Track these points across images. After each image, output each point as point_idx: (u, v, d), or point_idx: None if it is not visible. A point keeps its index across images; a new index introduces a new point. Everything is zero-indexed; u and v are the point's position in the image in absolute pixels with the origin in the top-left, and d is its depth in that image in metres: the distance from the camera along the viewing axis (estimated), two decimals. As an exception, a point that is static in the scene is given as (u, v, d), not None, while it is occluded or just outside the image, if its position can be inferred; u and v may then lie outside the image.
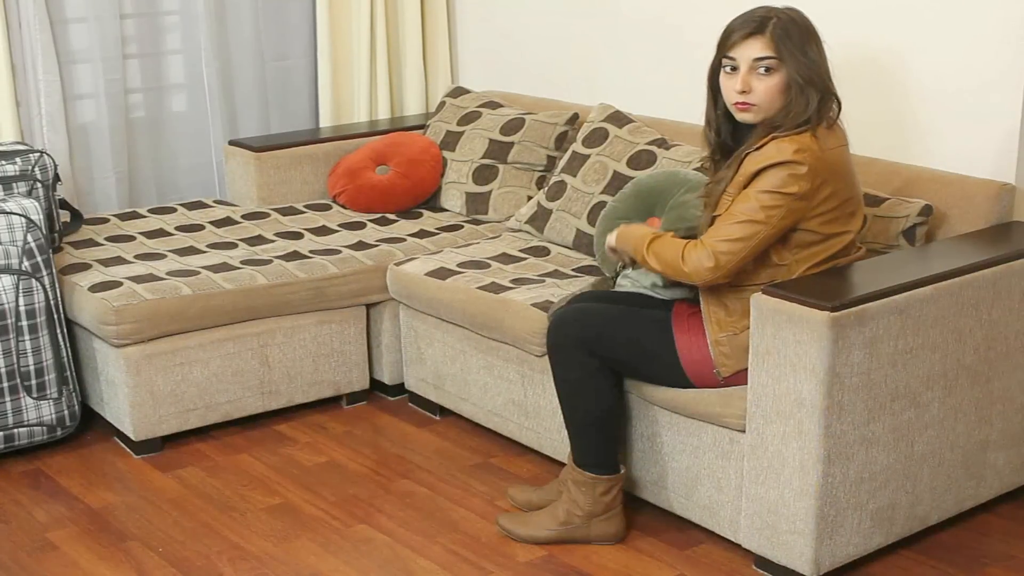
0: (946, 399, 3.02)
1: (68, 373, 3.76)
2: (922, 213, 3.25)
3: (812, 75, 2.89)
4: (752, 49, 2.90)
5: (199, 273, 3.82)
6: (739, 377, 3.00)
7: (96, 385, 3.84)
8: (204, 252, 4.05)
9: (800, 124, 2.87)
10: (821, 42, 2.93)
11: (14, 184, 3.88)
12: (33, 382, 3.67)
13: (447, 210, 4.50)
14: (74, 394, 3.78)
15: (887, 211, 3.28)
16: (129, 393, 3.69)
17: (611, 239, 3.15)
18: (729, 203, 2.92)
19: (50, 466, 3.70)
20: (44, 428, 3.72)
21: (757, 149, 2.89)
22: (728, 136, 3.02)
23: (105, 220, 4.38)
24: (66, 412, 3.75)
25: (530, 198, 4.29)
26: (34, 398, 3.68)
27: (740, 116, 2.95)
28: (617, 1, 4.37)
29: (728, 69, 2.94)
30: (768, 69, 2.89)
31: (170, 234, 4.24)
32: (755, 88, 2.91)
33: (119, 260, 3.95)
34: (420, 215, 4.45)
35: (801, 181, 2.83)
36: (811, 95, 2.89)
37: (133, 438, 3.74)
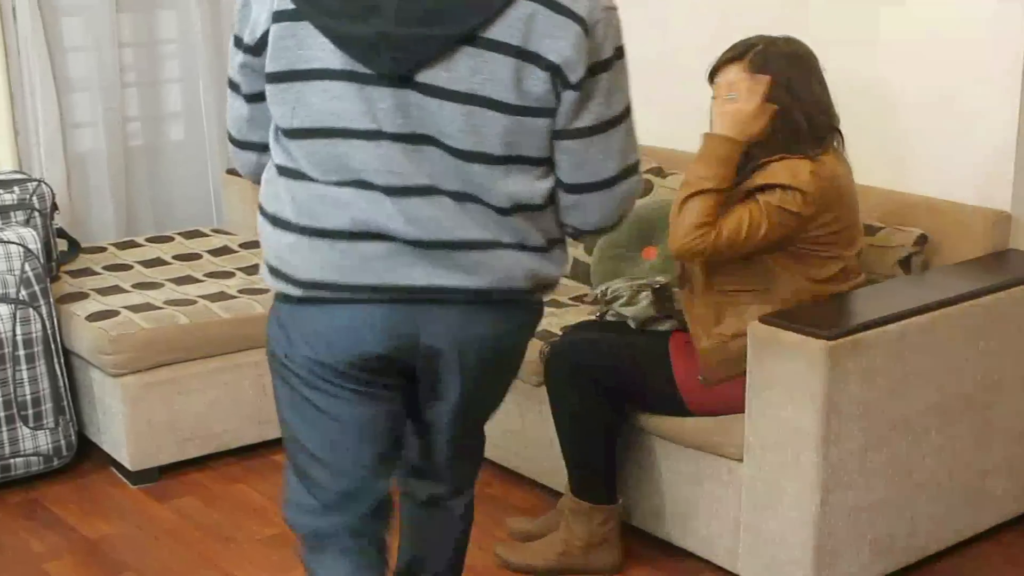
0: (944, 428, 3.01)
1: (65, 403, 3.75)
2: (917, 242, 3.25)
3: (794, 103, 2.89)
4: (728, 75, 2.92)
5: (196, 302, 3.82)
6: (726, 389, 2.98)
7: (93, 415, 3.84)
8: (201, 281, 4.05)
9: (796, 149, 2.88)
10: (817, 73, 2.94)
11: (12, 213, 3.88)
12: (30, 412, 3.67)
13: (444, 238, 4.49)
14: (71, 424, 3.77)
15: (883, 241, 3.28)
16: (126, 423, 3.68)
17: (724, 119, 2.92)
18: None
19: (46, 496, 3.69)
20: (40, 458, 3.71)
21: (765, 166, 2.89)
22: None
23: (103, 249, 4.38)
24: (63, 442, 3.74)
25: (527, 227, 4.28)
26: (31, 428, 3.67)
27: None
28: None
29: (714, 97, 2.97)
30: (729, 99, 2.92)
31: (167, 263, 4.24)
32: (722, 116, 2.93)
33: (116, 289, 3.95)
34: (417, 243, 4.44)
35: (806, 205, 2.84)
36: (799, 122, 2.89)
37: (130, 468, 3.73)
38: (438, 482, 2.49)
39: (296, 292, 2.12)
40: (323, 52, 1.99)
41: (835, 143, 2.97)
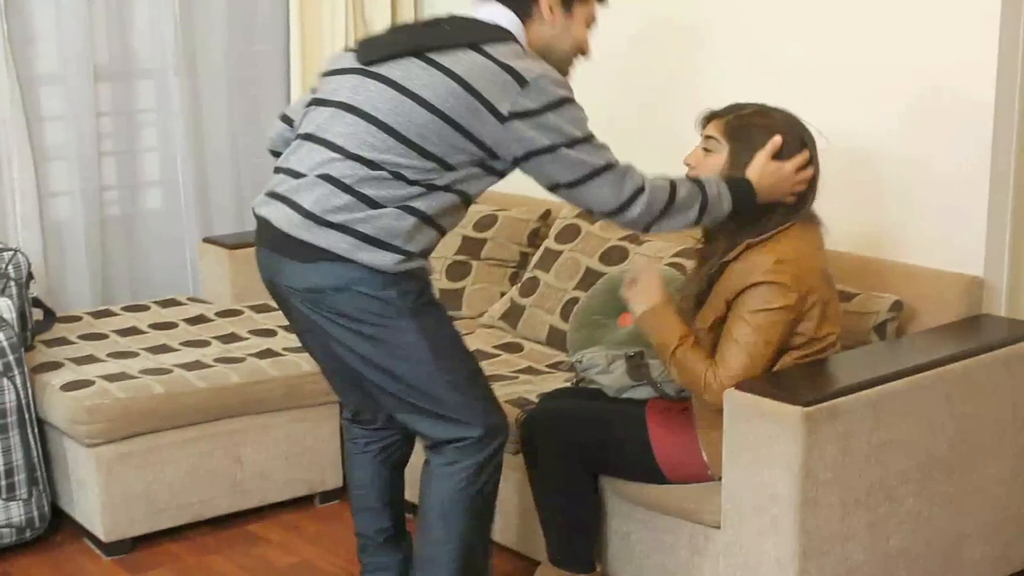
0: (921, 493, 3.01)
1: (38, 473, 3.72)
2: (893, 308, 3.27)
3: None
4: (709, 128, 2.97)
5: (172, 371, 3.80)
6: (702, 457, 2.98)
7: (66, 485, 3.80)
8: (177, 350, 4.03)
9: (759, 228, 2.89)
10: (802, 154, 2.94)
11: (-13, 282, 3.87)
12: (2, 483, 3.63)
13: (421, 306, 4.50)
14: (44, 495, 3.74)
15: (858, 307, 3.29)
16: (100, 493, 3.65)
17: (636, 312, 3.03)
18: (713, 317, 2.92)
19: (18, 569, 3.64)
20: (13, 530, 3.67)
21: (734, 259, 2.90)
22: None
23: (78, 318, 4.36)
24: (36, 513, 3.71)
25: (503, 294, 4.30)
26: (3, 499, 3.63)
27: None
28: (590, 98, 4.40)
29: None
30: (707, 150, 2.95)
31: (143, 332, 4.23)
32: (698, 164, 2.97)
33: (91, 359, 3.93)
34: (394, 311, 4.44)
35: (788, 293, 2.84)
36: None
37: (103, 539, 3.69)
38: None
39: None
40: (348, 61, 2.87)
41: (804, 214, 2.98)
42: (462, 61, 2.71)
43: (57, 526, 3.85)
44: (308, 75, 4.87)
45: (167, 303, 4.55)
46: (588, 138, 2.76)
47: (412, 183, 2.72)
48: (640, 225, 2.82)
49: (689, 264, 3.62)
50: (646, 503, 3.12)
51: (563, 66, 2.92)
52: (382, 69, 2.76)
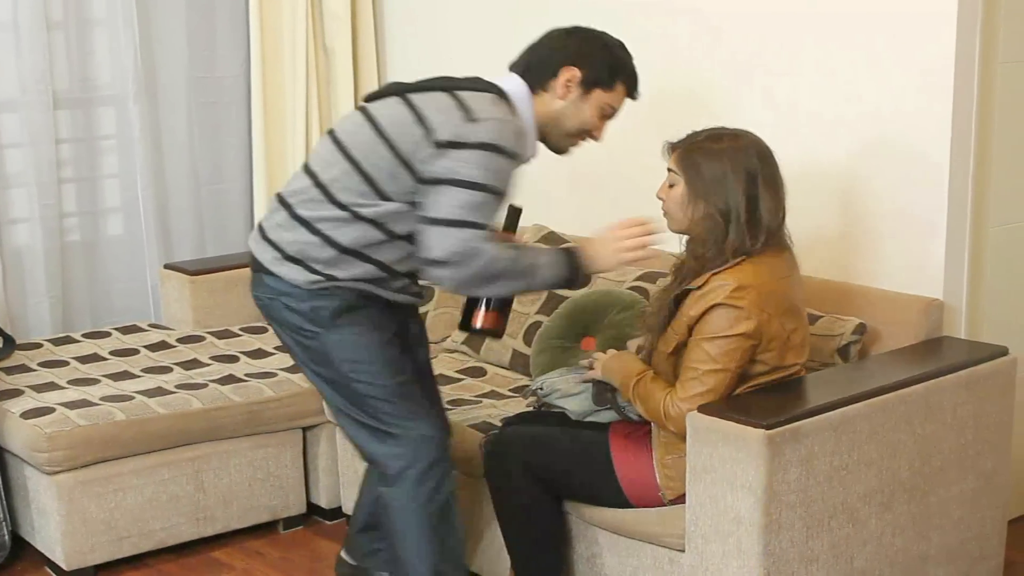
0: (883, 515, 3.03)
1: (-2, 502, 3.69)
2: (856, 331, 3.29)
3: (718, 203, 2.91)
4: (670, 161, 3.00)
5: (133, 398, 3.78)
6: (683, 499, 2.99)
7: (27, 513, 3.77)
8: (139, 377, 4.01)
9: (728, 253, 2.89)
10: (762, 177, 2.92)
11: (-55, 310, 3.84)
12: (-39, 512, 3.60)
13: (384, 331, 4.49)
14: (3, 523, 3.70)
15: (822, 329, 3.31)
16: (61, 521, 3.62)
17: (596, 372, 3.11)
18: (676, 341, 2.93)
19: (-22, 599, 3.62)
20: (-28, 559, 3.64)
21: (698, 288, 2.90)
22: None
23: (38, 345, 4.33)
24: (-5, 542, 3.68)
25: (467, 319, 4.29)
26: (-38, 529, 3.60)
27: (666, 222, 3.01)
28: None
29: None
30: (671, 185, 2.97)
31: (104, 359, 4.20)
32: (666, 197, 2.99)
33: (52, 386, 3.90)
34: (357, 336, 4.43)
35: (748, 320, 2.84)
36: (716, 222, 2.91)
37: (64, 568, 3.66)
38: None
39: None
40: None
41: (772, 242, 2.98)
42: (427, 97, 2.91)
43: (18, 555, 3.82)
44: (268, 100, 4.88)
45: (128, 330, 4.52)
46: (488, 189, 2.84)
47: (340, 206, 2.91)
48: (448, 287, 2.93)
49: (651, 288, 3.64)
50: (611, 527, 3.13)
51: (563, 143, 3.09)
52: (369, 104, 3.01)
